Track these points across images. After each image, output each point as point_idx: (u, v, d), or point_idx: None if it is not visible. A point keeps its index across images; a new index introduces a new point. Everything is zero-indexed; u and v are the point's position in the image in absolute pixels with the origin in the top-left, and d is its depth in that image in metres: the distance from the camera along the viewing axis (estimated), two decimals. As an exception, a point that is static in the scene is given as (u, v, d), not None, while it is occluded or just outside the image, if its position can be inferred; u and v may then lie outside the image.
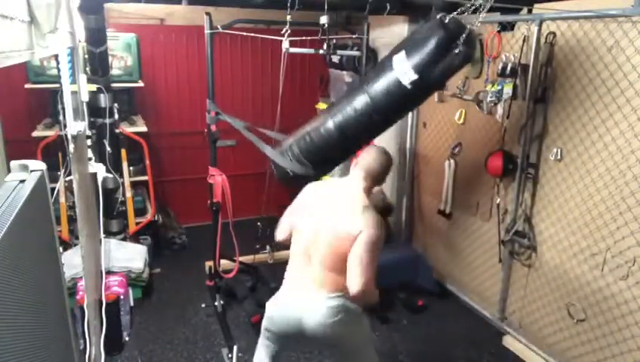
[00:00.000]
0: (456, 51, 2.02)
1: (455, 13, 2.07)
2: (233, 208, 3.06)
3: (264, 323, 2.01)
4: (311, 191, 2.08)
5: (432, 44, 2.03)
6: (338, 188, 2.03)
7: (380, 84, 2.16)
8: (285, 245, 2.08)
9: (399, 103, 2.22)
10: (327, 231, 1.88)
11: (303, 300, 1.88)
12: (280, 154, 2.50)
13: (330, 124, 2.30)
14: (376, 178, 2.00)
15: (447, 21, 2.03)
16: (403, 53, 2.10)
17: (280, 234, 2.09)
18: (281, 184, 2.59)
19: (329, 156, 2.41)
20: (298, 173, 2.39)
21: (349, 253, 1.81)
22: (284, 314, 1.93)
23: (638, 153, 2.31)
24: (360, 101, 2.22)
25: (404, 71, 2.07)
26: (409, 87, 2.09)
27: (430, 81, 2.11)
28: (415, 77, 2.06)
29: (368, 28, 3.28)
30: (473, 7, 2.08)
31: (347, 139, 2.30)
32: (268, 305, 2.01)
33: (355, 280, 1.75)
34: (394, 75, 2.12)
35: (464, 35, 2.00)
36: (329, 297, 1.84)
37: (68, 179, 2.07)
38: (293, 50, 2.76)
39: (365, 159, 2.01)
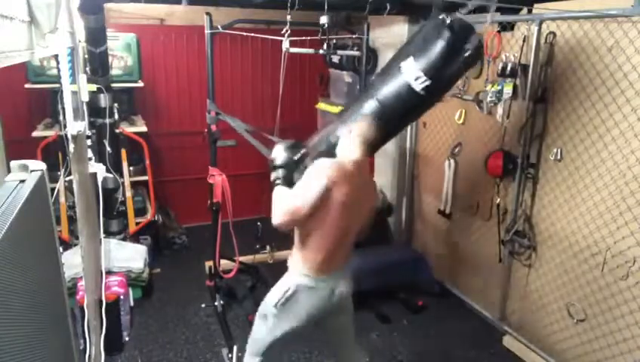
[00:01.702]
0: (466, 54, 2.01)
1: (464, 13, 2.07)
2: (233, 208, 3.06)
3: (295, 313, 1.99)
4: (340, 171, 1.92)
5: (440, 47, 2.01)
6: (359, 168, 1.98)
7: (390, 91, 2.16)
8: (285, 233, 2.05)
9: (410, 108, 2.22)
10: (360, 211, 2.02)
11: (341, 277, 2.05)
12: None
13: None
14: (370, 145, 2.02)
15: (449, 22, 2.02)
16: (411, 58, 2.09)
17: (302, 210, 1.88)
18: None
19: None
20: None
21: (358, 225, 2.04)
22: (325, 297, 2.01)
23: (638, 153, 2.31)
24: (369, 108, 2.21)
25: (415, 77, 2.07)
26: (422, 93, 2.08)
27: (441, 84, 2.11)
28: (428, 82, 2.05)
29: (368, 28, 3.28)
30: (473, 8, 2.08)
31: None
32: (301, 292, 1.97)
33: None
34: (403, 81, 2.11)
35: (472, 36, 2.00)
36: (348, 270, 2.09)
37: (68, 179, 2.07)
38: (293, 50, 2.75)
39: (360, 128, 2.01)
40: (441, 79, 2.08)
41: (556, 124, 2.73)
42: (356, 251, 2.14)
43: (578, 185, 2.62)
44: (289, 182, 2.05)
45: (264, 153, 2.64)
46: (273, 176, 2.08)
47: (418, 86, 2.07)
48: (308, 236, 1.95)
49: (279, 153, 2.13)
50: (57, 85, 2.23)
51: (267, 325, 2.04)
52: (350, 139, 1.99)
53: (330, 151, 2.23)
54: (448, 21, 2.02)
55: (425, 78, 2.04)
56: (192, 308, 3.39)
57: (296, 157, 2.16)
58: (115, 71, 3.68)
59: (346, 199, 1.88)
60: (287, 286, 1.99)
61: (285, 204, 1.89)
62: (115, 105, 3.41)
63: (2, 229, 0.77)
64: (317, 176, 1.88)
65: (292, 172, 2.11)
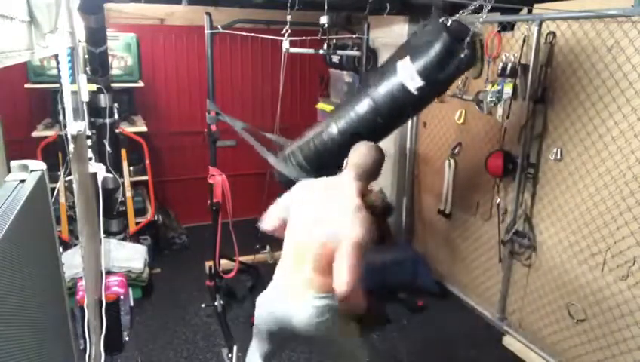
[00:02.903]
0: (462, 55, 2.01)
1: (457, 15, 2.07)
2: (233, 208, 3.06)
3: (255, 320, 2.03)
4: (303, 189, 2.06)
5: (436, 48, 2.01)
6: (331, 188, 1.99)
7: (384, 89, 2.16)
8: (277, 238, 2.09)
9: (404, 108, 2.22)
10: (318, 232, 1.88)
11: (291, 299, 1.90)
12: (282, 161, 2.49)
13: (334, 129, 2.30)
14: (369, 174, 1.97)
15: (449, 24, 2.02)
16: (407, 58, 2.09)
17: (266, 224, 2.10)
18: (282, 185, 2.59)
19: (331, 161, 2.40)
20: (300, 178, 2.39)
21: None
22: (273, 312, 1.94)
23: (638, 153, 2.31)
24: (364, 106, 2.21)
25: (409, 76, 2.07)
26: (415, 93, 2.08)
27: (436, 85, 2.11)
28: (421, 83, 2.05)
29: (368, 28, 3.28)
30: (474, 8, 2.07)
31: (351, 145, 2.29)
32: (257, 302, 2.02)
33: (343, 280, 1.76)
34: (398, 80, 2.11)
35: (469, 38, 2.00)
36: (317, 297, 1.86)
37: (68, 179, 2.07)
38: (293, 50, 2.75)
39: (355, 157, 1.97)
40: (436, 80, 2.07)
41: (556, 124, 2.73)
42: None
43: (578, 185, 2.62)
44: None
45: (263, 154, 2.65)
46: None
47: (412, 86, 2.06)
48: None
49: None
50: (57, 85, 2.22)
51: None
52: (347, 169, 1.99)
53: (313, 156, 2.27)
54: (448, 23, 2.02)
55: (419, 78, 2.04)
56: (192, 308, 3.39)
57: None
58: (115, 71, 3.68)
59: (297, 211, 1.98)
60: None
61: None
62: (115, 105, 3.41)
63: (2, 229, 0.77)
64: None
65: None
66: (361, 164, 1.95)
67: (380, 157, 1.98)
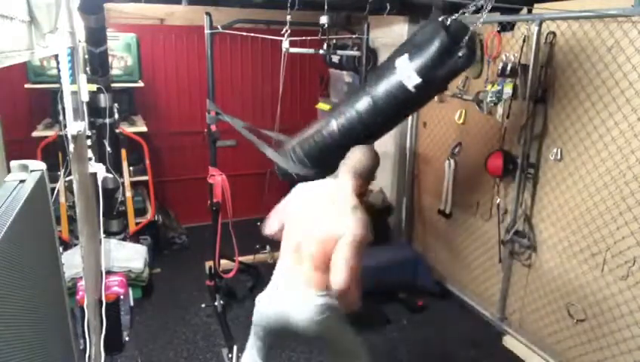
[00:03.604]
0: (460, 54, 2.01)
1: (457, 15, 2.07)
2: (233, 208, 3.06)
3: (254, 319, 2.05)
4: (301, 191, 2.11)
5: (435, 47, 2.02)
6: (328, 188, 2.05)
7: (383, 87, 2.16)
8: (278, 241, 2.11)
9: (402, 105, 2.22)
10: (316, 231, 1.91)
11: (291, 298, 1.93)
12: (282, 156, 2.50)
13: (333, 125, 2.31)
14: (364, 176, 2.03)
15: (448, 23, 2.02)
16: (406, 56, 2.10)
17: (268, 229, 2.15)
18: (284, 182, 2.59)
19: (332, 158, 2.41)
20: (300, 174, 2.40)
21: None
22: (272, 311, 1.97)
23: (638, 153, 2.31)
24: (363, 103, 2.22)
25: (407, 74, 2.07)
26: (413, 90, 2.09)
27: (434, 84, 2.11)
28: (419, 80, 2.06)
29: (368, 28, 3.28)
30: (474, 8, 2.07)
31: (350, 141, 2.30)
32: (257, 300, 2.04)
33: (339, 277, 1.79)
34: (397, 78, 2.12)
35: (467, 38, 2.00)
36: (317, 295, 1.89)
37: (68, 179, 2.07)
38: (293, 50, 2.75)
39: (352, 159, 2.03)
40: (434, 79, 2.08)
41: (556, 124, 2.73)
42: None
43: (578, 185, 2.62)
44: None
45: (263, 149, 2.65)
46: None
47: (410, 83, 2.07)
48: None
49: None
50: (57, 85, 2.22)
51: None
52: (343, 170, 2.03)
53: (314, 152, 2.27)
54: (448, 22, 2.02)
55: (417, 76, 2.05)
56: (192, 308, 3.39)
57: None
58: (115, 71, 3.68)
59: (295, 212, 2.02)
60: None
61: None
62: (115, 105, 3.41)
63: (2, 229, 0.77)
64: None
65: None
66: (358, 167, 2.01)
67: (375, 161, 2.06)
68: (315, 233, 1.91)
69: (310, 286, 1.90)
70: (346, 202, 1.93)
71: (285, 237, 2.04)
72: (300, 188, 2.11)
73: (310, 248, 1.91)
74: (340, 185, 2.01)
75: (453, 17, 2.05)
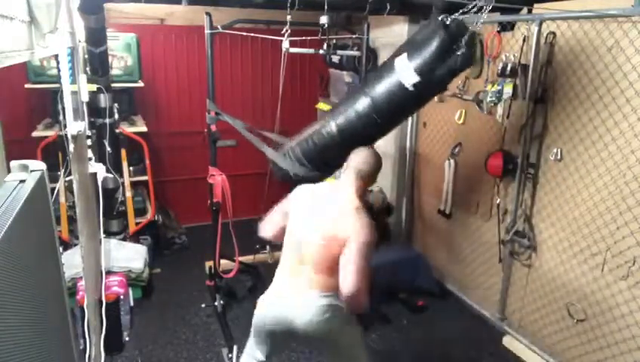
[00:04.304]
0: (459, 53, 2.01)
1: (457, 14, 2.07)
2: (233, 208, 3.06)
3: (254, 322, 2.03)
4: (303, 193, 2.09)
5: (433, 45, 2.02)
6: (330, 190, 2.04)
7: (382, 86, 2.16)
8: (277, 244, 2.10)
9: (401, 105, 2.22)
10: (319, 233, 1.89)
11: (294, 299, 1.91)
12: (281, 156, 2.50)
13: (333, 126, 2.30)
14: (367, 178, 2.02)
15: (448, 22, 2.02)
16: (405, 55, 2.09)
17: (266, 231, 2.12)
18: (284, 183, 2.59)
19: (331, 158, 2.41)
20: (299, 174, 2.39)
21: (339, 255, 1.83)
22: (275, 313, 1.95)
23: (638, 153, 2.31)
24: (362, 103, 2.22)
25: (406, 73, 2.07)
26: (411, 89, 2.09)
27: (432, 83, 2.11)
28: (417, 79, 2.05)
29: (368, 28, 3.28)
30: (475, 9, 2.07)
31: (349, 142, 2.29)
32: (258, 303, 2.03)
33: (349, 281, 1.77)
34: (396, 77, 2.12)
35: (466, 37, 2.00)
36: (319, 296, 1.88)
37: (68, 179, 2.07)
38: (293, 50, 2.75)
39: (355, 161, 2.02)
40: (433, 78, 2.07)
41: (556, 124, 2.73)
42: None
43: (578, 185, 2.62)
44: None
45: (261, 148, 2.65)
46: None
47: (408, 82, 2.07)
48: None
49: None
50: (57, 85, 2.22)
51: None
52: (346, 172, 2.02)
53: (312, 153, 2.27)
54: (448, 22, 2.02)
55: (415, 74, 2.05)
56: (192, 308, 3.39)
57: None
58: (115, 71, 3.68)
59: (297, 213, 2.00)
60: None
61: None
62: (115, 105, 3.41)
63: (2, 229, 0.77)
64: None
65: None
66: (361, 169, 1.99)
67: (378, 163, 2.05)
68: (318, 234, 1.89)
69: (312, 288, 1.89)
70: (348, 203, 1.92)
71: (287, 238, 2.02)
72: (301, 190, 2.10)
73: (312, 249, 1.89)
74: (342, 186, 2.00)
75: (453, 17, 2.05)
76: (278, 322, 1.94)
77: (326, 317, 1.87)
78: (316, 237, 1.89)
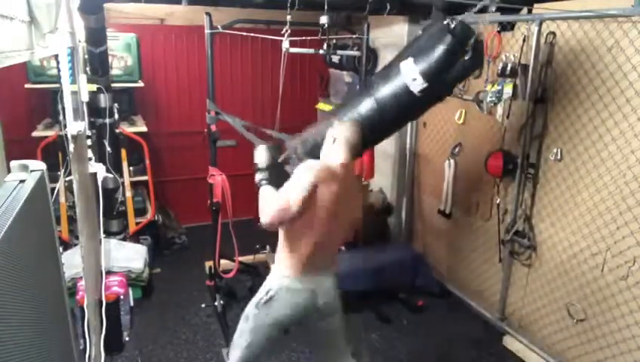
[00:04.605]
0: (466, 58, 2.00)
1: (461, 16, 2.06)
2: (233, 208, 3.05)
3: (274, 316, 1.98)
4: (321, 172, 1.91)
5: (440, 50, 2.01)
6: (342, 170, 1.94)
7: (388, 90, 2.16)
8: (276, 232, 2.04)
9: (407, 109, 2.22)
10: (341, 215, 1.96)
11: (323, 279, 2.02)
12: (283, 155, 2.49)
13: None
14: (355, 150, 2.00)
15: (453, 26, 2.01)
16: (411, 59, 2.09)
17: (296, 210, 1.83)
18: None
19: None
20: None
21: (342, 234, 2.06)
22: (303, 298, 1.97)
23: (638, 153, 2.31)
24: (366, 106, 2.22)
25: (413, 78, 2.06)
26: (418, 94, 2.08)
27: (439, 87, 2.10)
28: (425, 85, 2.05)
29: (368, 28, 3.28)
30: (476, 9, 2.07)
31: None
32: (276, 297, 1.97)
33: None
34: (402, 82, 2.11)
35: (472, 41, 1.99)
36: (335, 272, 2.07)
37: (68, 179, 2.07)
38: (293, 50, 2.75)
39: (345, 133, 1.97)
40: (440, 82, 2.07)
41: (556, 124, 2.73)
42: (356, 251, 2.15)
43: (578, 185, 2.62)
44: (274, 182, 2.07)
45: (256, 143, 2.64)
46: (258, 177, 2.13)
47: (415, 88, 2.06)
48: (294, 236, 1.94)
49: (262, 155, 2.18)
50: (57, 85, 2.22)
51: (248, 326, 2.06)
52: (335, 142, 1.97)
53: (316, 150, 2.25)
54: (452, 25, 2.01)
55: (422, 80, 2.04)
56: (192, 308, 3.39)
57: (280, 159, 2.22)
58: (115, 71, 3.68)
59: (332, 199, 1.89)
60: (269, 287, 2.01)
61: (275, 202, 1.85)
62: (115, 105, 3.41)
63: (2, 229, 0.77)
64: (305, 175, 1.85)
65: (276, 173, 2.15)
66: (351, 140, 1.97)
67: (361, 134, 2.04)
68: (347, 214, 2.00)
69: (333, 264, 2.08)
70: (356, 181, 2.08)
71: (315, 222, 1.89)
72: (319, 170, 1.91)
73: (341, 229, 2.02)
74: (348, 165, 1.98)
75: (458, 19, 2.04)
76: (306, 306, 1.99)
77: (336, 290, 2.06)
78: (343, 214, 1.98)
